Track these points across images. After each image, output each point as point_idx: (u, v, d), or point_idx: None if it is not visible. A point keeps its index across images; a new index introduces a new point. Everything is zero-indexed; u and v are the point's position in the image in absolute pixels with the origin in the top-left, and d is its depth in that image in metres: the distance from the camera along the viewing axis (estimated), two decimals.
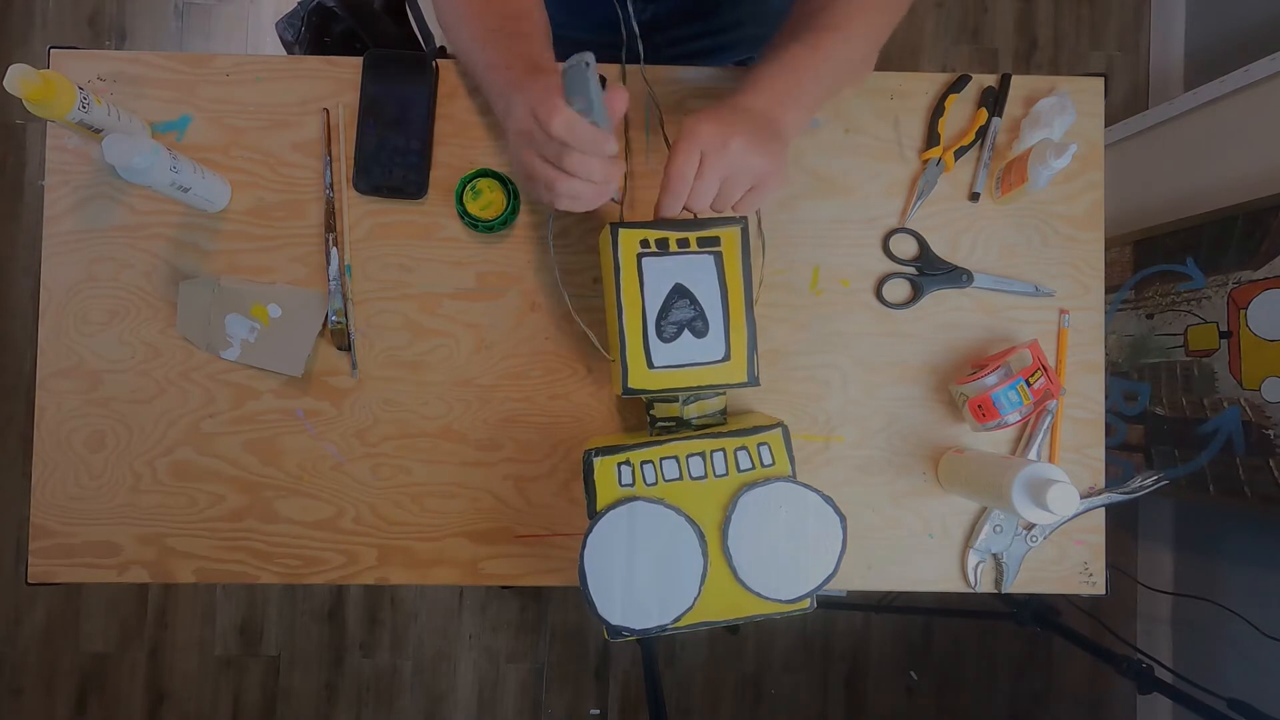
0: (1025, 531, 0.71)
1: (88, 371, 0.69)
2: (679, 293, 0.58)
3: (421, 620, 1.59)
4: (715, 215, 0.59)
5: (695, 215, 0.58)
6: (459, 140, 0.71)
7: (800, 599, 0.56)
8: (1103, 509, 0.72)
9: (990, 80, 0.73)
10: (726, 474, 0.57)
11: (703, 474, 0.57)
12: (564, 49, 0.79)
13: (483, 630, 1.60)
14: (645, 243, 0.58)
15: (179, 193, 0.63)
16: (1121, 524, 1.61)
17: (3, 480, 1.56)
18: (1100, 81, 0.73)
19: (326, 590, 1.58)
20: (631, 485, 0.56)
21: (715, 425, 0.63)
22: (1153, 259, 1.35)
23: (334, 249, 0.70)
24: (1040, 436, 0.71)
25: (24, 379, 1.57)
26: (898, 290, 0.73)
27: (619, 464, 0.57)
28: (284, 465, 0.70)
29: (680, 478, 0.57)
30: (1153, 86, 1.69)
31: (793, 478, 0.57)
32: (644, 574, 0.54)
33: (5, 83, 0.55)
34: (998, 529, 0.71)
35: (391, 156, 0.70)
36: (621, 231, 0.59)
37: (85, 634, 1.56)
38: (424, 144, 0.70)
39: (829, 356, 0.72)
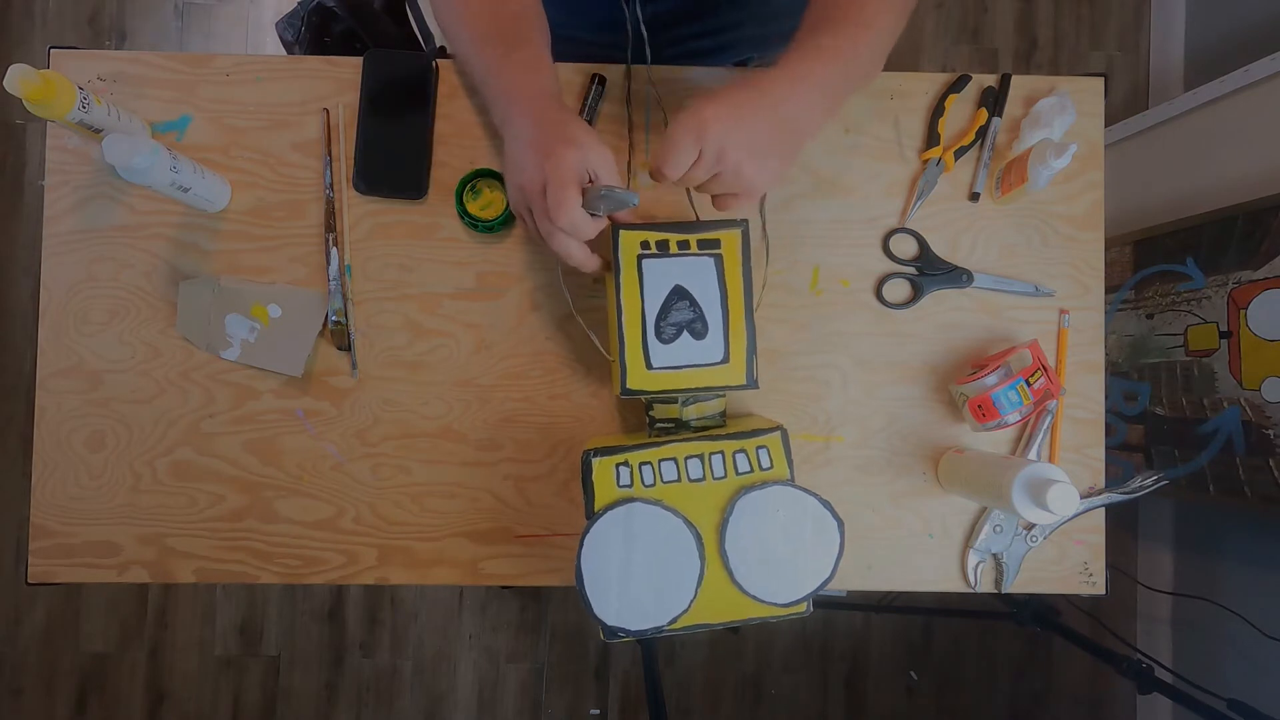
0: (1025, 531, 0.71)
1: (88, 371, 0.69)
2: (678, 294, 0.58)
3: (421, 620, 1.59)
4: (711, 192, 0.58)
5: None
6: (459, 140, 0.71)
7: (797, 603, 0.56)
8: (1103, 509, 0.72)
9: (990, 80, 0.73)
10: (725, 477, 0.57)
11: (701, 476, 0.57)
12: (565, 49, 0.79)
13: (483, 630, 1.60)
14: (646, 244, 0.59)
15: (179, 193, 0.63)
16: (1121, 524, 1.61)
17: (3, 480, 1.56)
18: (1100, 81, 0.73)
19: (326, 590, 1.58)
20: (630, 486, 0.56)
21: (714, 427, 0.63)
22: (1153, 259, 1.35)
23: (334, 249, 0.70)
24: (1040, 436, 0.71)
25: (24, 379, 1.57)
26: (898, 290, 0.73)
27: (617, 465, 0.57)
28: (284, 465, 0.70)
29: (678, 479, 0.57)
30: (1153, 86, 1.69)
31: (791, 481, 0.57)
32: (641, 575, 0.54)
33: (5, 83, 0.55)
34: (998, 529, 0.71)
35: (391, 156, 0.70)
36: (622, 232, 0.59)
37: (85, 634, 1.56)
38: (424, 144, 0.70)
39: (829, 356, 0.72)
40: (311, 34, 0.81)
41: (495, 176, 0.69)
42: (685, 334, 0.59)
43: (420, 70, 0.70)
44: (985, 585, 0.72)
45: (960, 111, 0.73)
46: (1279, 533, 1.27)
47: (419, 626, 1.59)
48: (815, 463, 0.72)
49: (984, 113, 0.72)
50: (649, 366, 0.58)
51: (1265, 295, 1.13)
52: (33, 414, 0.69)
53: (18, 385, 1.56)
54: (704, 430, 0.62)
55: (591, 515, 0.55)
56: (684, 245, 0.59)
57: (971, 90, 0.73)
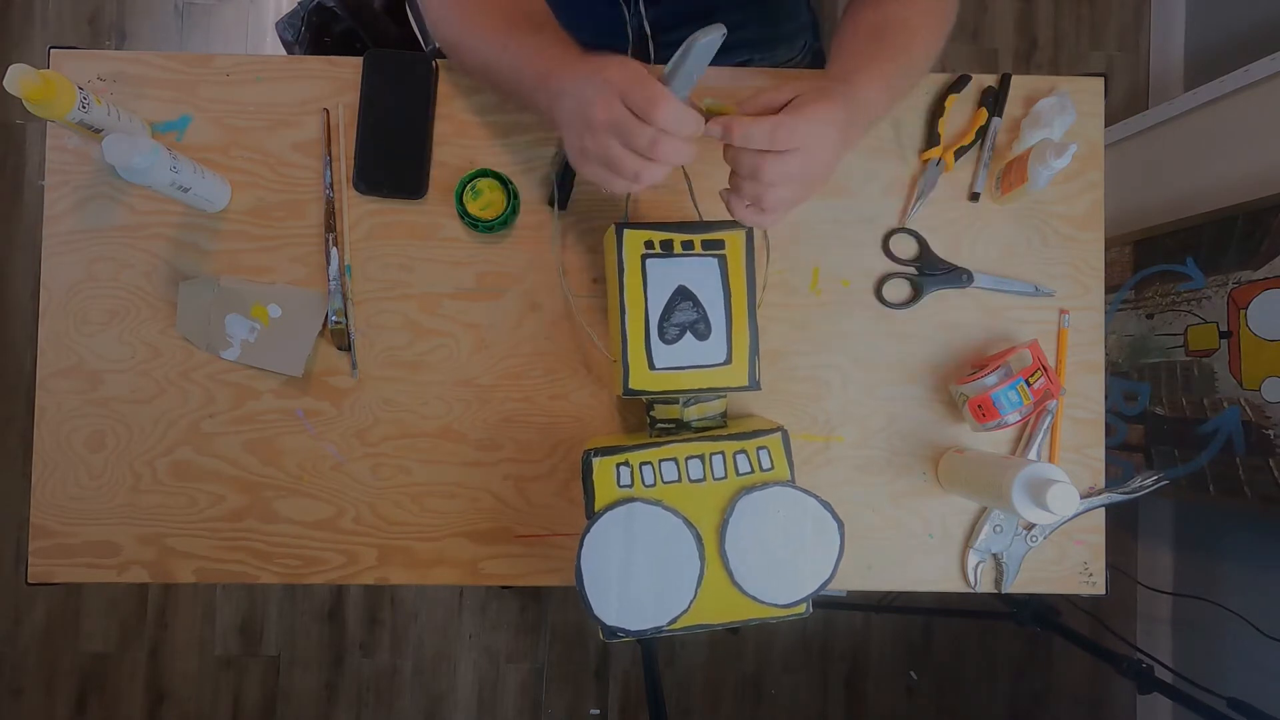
0: (1025, 531, 0.71)
1: (88, 371, 0.69)
2: (682, 295, 0.58)
3: (421, 620, 1.59)
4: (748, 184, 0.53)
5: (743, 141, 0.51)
6: (459, 140, 0.71)
7: (797, 603, 0.56)
8: (1103, 509, 0.72)
9: (990, 80, 0.73)
10: (725, 477, 0.57)
11: (701, 477, 0.57)
12: None
13: (483, 630, 1.60)
14: (650, 244, 0.58)
15: (179, 193, 0.63)
16: (1121, 524, 1.61)
17: (3, 480, 1.56)
18: (1100, 81, 0.73)
19: (326, 590, 1.58)
20: (630, 486, 0.56)
21: (715, 428, 0.63)
22: (1153, 259, 1.35)
23: (334, 249, 0.70)
24: (1040, 436, 0.71)
25: (24, 379, 1.56)
26: (898, 290, 0.73)
27: (618, 465, 0.57)
28: (284, 465, 0.70)
29: (679, 480, 0.57)
30: (1153, 86, 1.69)
31: (791, 482, 0.57)
32: (641, 575, 0.54)
33: (5, 83, 0.55)
34: (998, 529, 0.71)
35: (391, 156, 0.70)
36: (627, 232, 0.59)
37: (85, 634, 1.56)
38: (424, 144, 0.70)
39: (829, 356, 0.72)
40: (311, 34, 0.81)
41: (495, 176, 0.69)
42: (688, 335, 0.59)
43: (420, 70, 0.70)
44: (985, 585, 0.72)
45: (960, 111, 0.73)
46: (1279, 533, 1.27)
47: (419, 626, 1.59)
48: (815, 463, 0.72)
49: (984, 113, 0.72)
50: (651, 367, 0.58)
51: (1265, 295, 1.13)
52: (33, 414, 0.69)
53: (18, 385, 1.56)
54: (705, 430, 0.62)
55: (592, 515, 0.55)
56: (688, 246, 0.59)
57: (971, 90, 0.73)
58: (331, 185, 0.70)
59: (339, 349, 0.70)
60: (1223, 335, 1.21)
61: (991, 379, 0.66)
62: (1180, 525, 1.53)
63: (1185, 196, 1.34)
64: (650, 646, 1.17)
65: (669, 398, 0.61)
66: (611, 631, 0.54)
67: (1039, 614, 1.16)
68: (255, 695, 1.57)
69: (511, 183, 0.69)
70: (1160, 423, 1.34)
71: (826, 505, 0.56)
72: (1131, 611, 1.62)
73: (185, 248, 0.70)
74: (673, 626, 0.55)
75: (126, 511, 0.69)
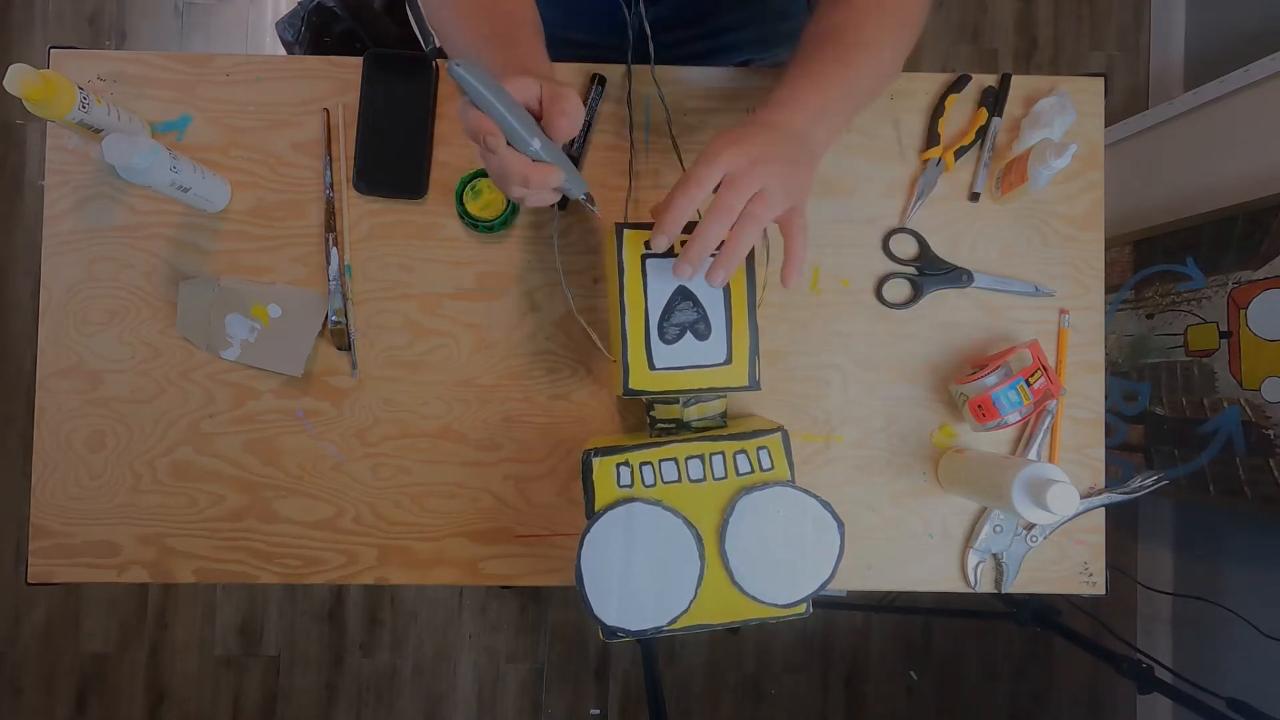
0: (1025, 531, 0.71)
1: (88, 371, 0.69)
2: (682, 294, 0.58)
3: (421, 620, 1.59)
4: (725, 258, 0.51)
5: (694, 253, 0.50)
6: (459, 140, 0.71)
7: (797, 603, 0.56)
8: (1103, 509, 0.72)
9: (990, 80, 0.73)
10: (725, 477, 0.57)
11: (701, 477, 0.57)
12: (565, 50, 0.79)
13: (483, 630, 1.60)
14: (650, 244, 0.58)
15: (179, 193, 0.63)
16: (1121, 524, 1.61)
17: (3, 480, 1.56)
18: (1100, 81, 0.73)
19: (326, 590, 1.58)
20: (630, 486, 0.56)
21: (715, 428, 0.63)
22: (1153, 259, 1.35)
23: (334, 249, 0.70)
24: (1040, 436, 0.71)
25: (24, 379, 1.57)
26: (898, 290, 0.73)
27: (618, 465, 0.57)
28: (284, 465, 0.70)
29: (679, 480, 0.57)
30: (1153, 86, 1.69)
31: (791, 482, 0.57)
32: (641, 575, 0.54)
33: (5, 83, 0.55)
34: (998, 529, 0.71)
35: (391, 156, 0.70)
36: (627, 233, 0.59)
37: (85, 634, 1.56)
38: (424, 144, 0.70)
39: (829, 356, 0.72)
40: (311, 34, 0.81)
41: None
42: (688, 334, 0.59)
43: (420, 70, 0.70)
44: (985, 585, 0.72)
45: (960, 111, 0.73)
46: (1279, 533, 1.27)
47: (419, 626, 1.59)
48: (815, 463, 0.72)
49: (984, 113, 0.72)
50: (652, 367, 0.58)
51: (1265, 295, 1.13)
52: (33, 414, 0.69)
53: (18, 385, 1.56)
54: (705, 430, 0.62)
55: (591, 515, 0.55)
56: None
57: (971, 90, 0.73)
58: (331, 185, 0.70)
59: (339, 349, 0.70)
60: (1223, 335, 1.21)
61: (991, 379, 0.66)
62: (1180, 525, 1.53)
63: (1185, 196, 1.34)
64: (650, 646, 1.17)
65: (669, 398, 0.61)
66: (611, 631, 0.54)
67: (1039, 614, 1.16)
68: (255, 695, 1.57)
69: None
70: (1160, 423, 1.34)
71: (826, 505, 0.56)
72: (1131, 611, 1.62)
73: (185, 248, 0.70)
74: (673, 626, 0.54)
75: (126, 511, 0.69)
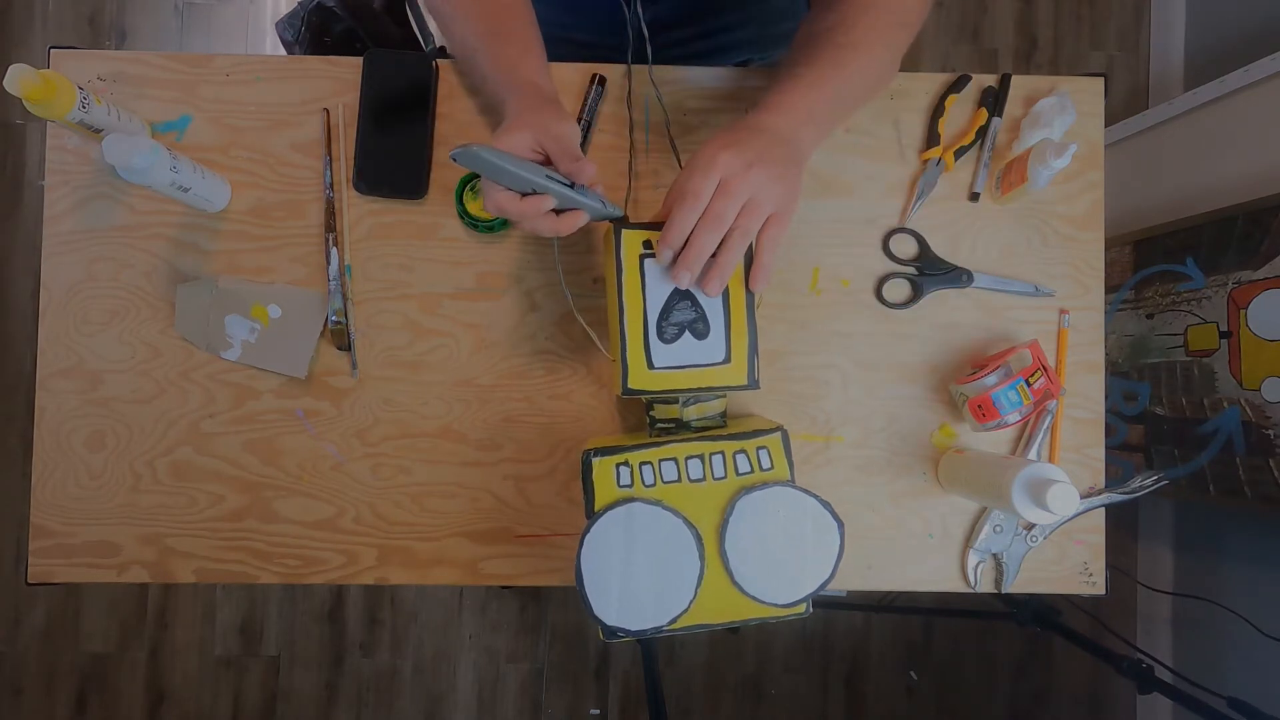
0: (1025, 531, 0.71)
1: (88, 371, 0.69)
2: (680, 294, 0.58)
3: (421, 620, 1.59)
4: (722, 260, 0.53)
5: (692, 261, 0.53)
6: (459, 140, 0.71)
7: (797, 603, 0.55)
8: (1103, 509, 0.72)
9: (990, 80, 0.73)
10: (725, 477, 0.57)
11: (701, 476, 0.57)
12: (565, 49, 0.79)
13: (483, 630, 1.60)
14: (648, 244, 0.58)
15: (179, 193, 0.63)
16: (1121, 524, 1.61)
17: (3, 480, 1.56)
18: (1100, 81, 0.73)
19: (326, 590, 1.58)
20: (630, 486, 0.56)
21: (715, 428, 0.63)
22: (1153, 259, 1.35)
23: (334, 249, 0.70)
24: (1040, 436, 0.71)
25: (24, 379, 1.57)
26: (898, 290, 0.73)
27: (618, 465, 0.57)
28: (284, 465, 0.70)
29: (679, 480, 0.57)
30: (1153, 86, 1.69)
31: (791, 482, 0.57)
32: (641, 575, 0.54)
33: (5, 83, 0.55)
34: (998, 529, 0.71)
35: (391, 156, 0.70)
36: (624, 232, 0.59)
37: (85, 634, 1.56)
38: (424, 144, 0.70)
39: (829, 356, 0.72)
40: (311, 34, 0.81)
41: None
42: (687, 334, 0.59)
43: (420, 70, 0.70)
44: (985, 585, 0.72)
45: (960, 111, 0.73)
46: (1279, 533, 1.27)
47: (419, 626, 1.59)
48: (815, 463, 0.72)
49: (984, 113, 0.72)
50: (650, 366, 0.58)
51: (1265, 295, 1.13)
52: (33, 414, 0.69)
53: (18, 385, 1.56)
54: (704, 430, 0.62)
55: (591, 515, 0.55)
56: None
57: (971, 90, 0.73)
58: (331, 185, 0.70)
59: (339, 349, 0.70)
60: (1223, 335, 1.21)
61: (991, 379, 0.66)
62: (1180, 525, 1.53)
63: (1185, 196, 1.34)
64: (650, 646, 1.17)
65: (668, 397, 0.61)
66: (611, 631, 0.54)
67: (1039, 614, 1.16)
68: (255, 695, 1.57)
69: None
70: (1160, 423, 1.34)
71: (826, 505, 0.56)
72: (1131, 611, 1.62)
73: (185, 248, 0.70)
74: (673, 626, 0.54)
75: (126, 511, 0.69)
